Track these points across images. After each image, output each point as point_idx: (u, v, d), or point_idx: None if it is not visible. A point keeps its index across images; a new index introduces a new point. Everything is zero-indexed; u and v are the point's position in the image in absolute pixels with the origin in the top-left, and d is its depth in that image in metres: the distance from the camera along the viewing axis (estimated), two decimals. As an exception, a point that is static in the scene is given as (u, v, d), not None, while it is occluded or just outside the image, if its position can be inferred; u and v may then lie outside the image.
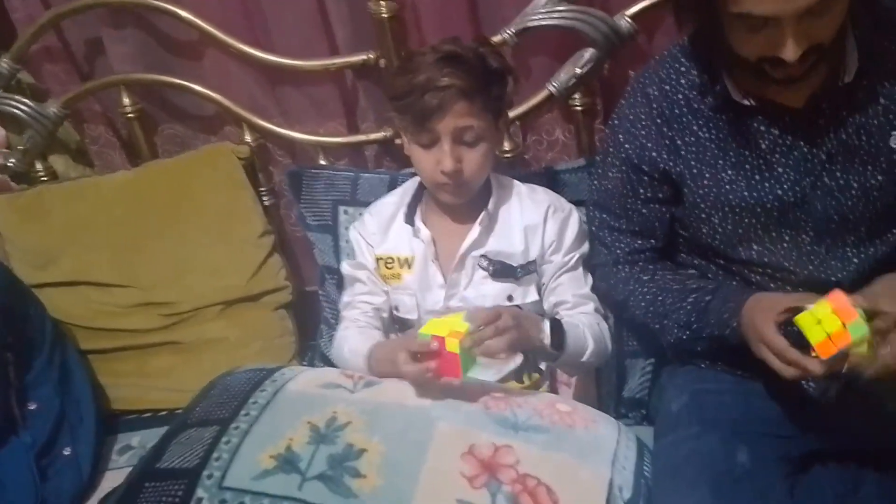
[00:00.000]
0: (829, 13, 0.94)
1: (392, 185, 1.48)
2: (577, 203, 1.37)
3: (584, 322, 1.25)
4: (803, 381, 1.12)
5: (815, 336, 0.93)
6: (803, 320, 0.94)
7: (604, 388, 1.40)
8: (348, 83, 1.59)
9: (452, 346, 1.06)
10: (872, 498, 1.11)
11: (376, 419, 1.06)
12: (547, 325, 1.18)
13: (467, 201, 1.29)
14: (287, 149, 1.68)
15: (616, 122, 1.22)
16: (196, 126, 1.71)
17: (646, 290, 1.21)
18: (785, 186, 1.09)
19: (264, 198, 1.68)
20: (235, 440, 1.05)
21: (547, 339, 1.17)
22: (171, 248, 1.59)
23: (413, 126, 1.22)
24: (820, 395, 1.11)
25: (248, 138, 1.63)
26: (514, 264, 1.28)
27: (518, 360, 1.26)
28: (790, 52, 0.94)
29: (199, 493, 1.00)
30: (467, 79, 1.17)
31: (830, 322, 0.92)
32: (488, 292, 1.28)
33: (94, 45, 1.66)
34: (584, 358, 1.23)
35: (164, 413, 1.52)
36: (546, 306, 1.32)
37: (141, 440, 1.49)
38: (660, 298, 1.19)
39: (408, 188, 1.38)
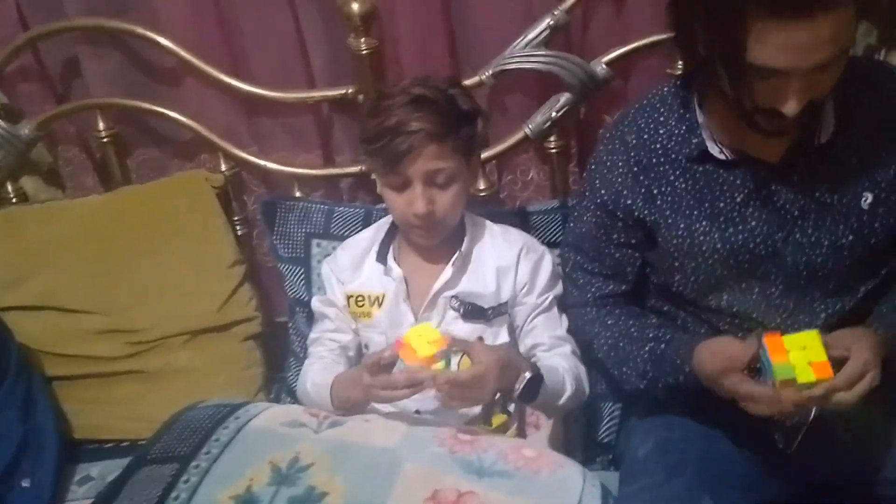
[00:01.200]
0: (833, 70, 0.95)
1: (367, 220, 1.47)
2: (550, 244, 1.38)
3: (565, 367, 1.24)
4: (767, 430, 1.12)
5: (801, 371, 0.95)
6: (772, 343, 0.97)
7: (573, 431, 1.39)
8: (325, 115, 1.59)
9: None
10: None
11: (340, 459, 1.05)
12: (524, 379, 1.15)
13: (441, 241, 1.29)
14: (262, 178, 1.67)
15: (593, 167, 1.23)
16: (171, 152, 1.70)
17: (609, 334, 1.21)
18: (758, 239, 1.10)
19: (237, 226, 1.66)
20: (195, 479, 1.03)
21: (517, 393, 1.15)
22: (141, 275, 1.57)
23: (384, 169, 1.22)
24: (785, 444, 1.11)
25: (223, 166, 1.62)
26: (486, 306, 1.28)
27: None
28: (793, 106, 0.95)
29: (156, 533, 0.98)
30: (437, 122, 1.17)
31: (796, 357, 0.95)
32: (459, 333, 1.27)
33: (71, 66, 1.64)
34: (560, 402, 1.23)
35: (126, 444, 1.48)
36: (522, 349, 1.31)
37: (101, 471, 1.45)
38: (620, 345, 1.19)
39: (381, 225, 1.38)
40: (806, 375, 0.94)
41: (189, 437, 1.11)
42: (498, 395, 1.20)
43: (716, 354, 1.04)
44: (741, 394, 0.99)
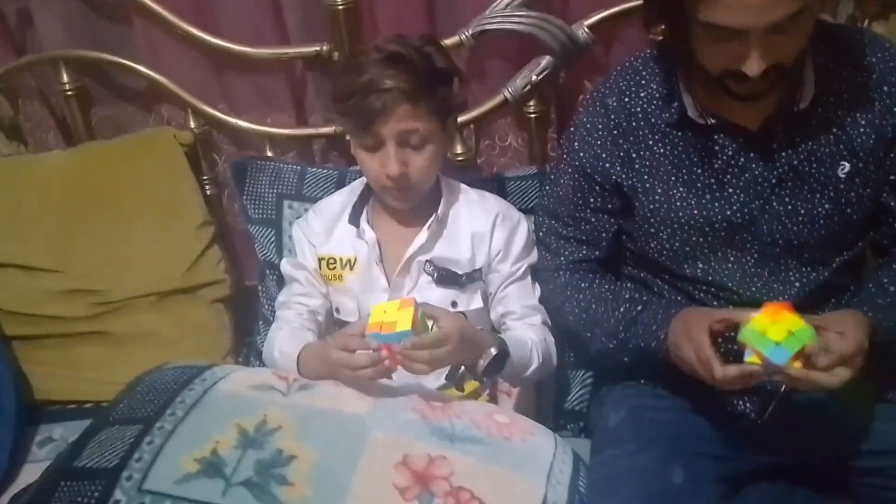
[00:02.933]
0: (794, 32, 0.94)
1: (340, 182, 1.44)
2: (527, 211, 1.36)
3: (534, 339, 1.23)
4: (741, 401, 1.12)
5: (763, 346, 0.94)
6: (748, 335, 0.95)
7: (544, 398, 1.39)
8: (298, 74, 1.54)
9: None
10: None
11: (309, 425, 1.02)
12: (489, 356, 1.13)
13: (416, 204, 1.26)
14: (232, 137, 1.62)
15: (573, 129, 1.22)
16: (136, 109, 1.65)
17: (581, 297, 1.20)
18: (734, 207, 1.09)
19: (206, 187, 1.62)
20: (159, 441, 1.00)
21: (481, 369, 1.14)
22: (106, 234, 1.53)
23: (356, 129, 1.18)
24: (758, 415, 1.12)
25: (191, 124, 1.58)
26: (460, 272, 1.26)
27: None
28: (754, 66, 0.94)
29: (117, 495, 0.95)
30: (411, 80, 1.14)
31: (775, 331, 0.93)
32: (432, 298, 1.25)
33: (30, 16, 1.58)
34: (527, 374, 1.22)
35: (89, 405, 1.46)
36: (493, 316, 1.30)
37: (63, 433, 1.42)
38: (593, 307, 1.18)
39: (355, 187, 1.34)
40: (793, 345, 0.93)
41: (154, 398, 1.08)
42: (462, 368, 1.19)
43: (689, 319, 1.03)
44: (701, 356, 0.98)
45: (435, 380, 1.22)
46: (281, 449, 0.99)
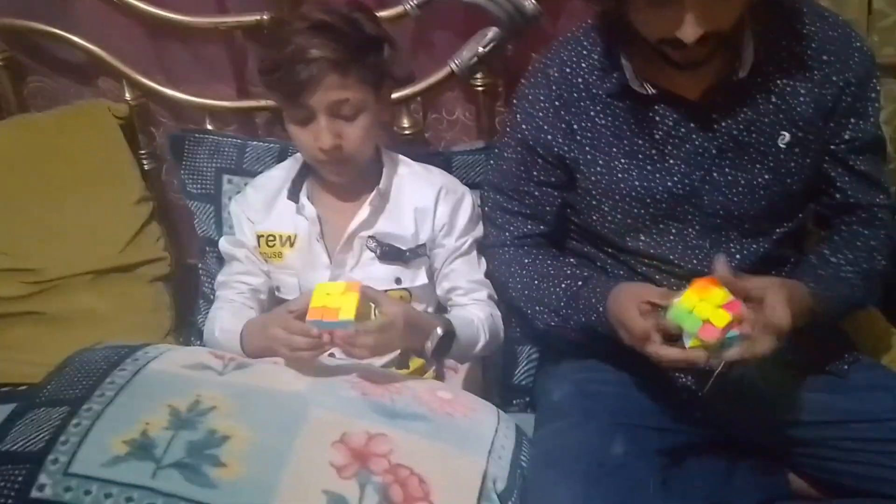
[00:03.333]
0: None
1: (282, 155, 1.41)
2: (474, 186, 1.34)
3: (481, 316, 1.21)
4: (683, 375, 1.13)
5: (691, 325, 0.93)
6: (676, 315, 0.94)
7: (490, 374, 1.38)
8: (238, 44, 1.50)
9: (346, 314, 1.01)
10: (744, 486, 1.14)
11: (245, 403, 1.00)
12: (436, 337, 1.12)
13: (357, 179, 1.23)
14: (170, 110, 1.57)
15: (516, 101, 1.20)
16: (71, 81, 1.58)
17: (525, 272, 1.19)
18: (675, 178, 1.09)
19: (144, 161, 1.57)
20: (86, 423, 0.96)
21: (429, 352, 1.12)
22: (39, 211, 1.47)
23: (285, 102, 1.15)
24: (699, 388, 1.12)
25: (127, 96, 1.52)
26: (404, 247, 1.24)
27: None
28: (689, 32, 0.93)
29: (42, 479, 0.91)
30: (339, 49, 1.10)
31: (702, 308, 0.93)
32: (376, 274, 1.23)
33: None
34: (475, 351, 1.21)
35: (23, 388, 1.40)
36: (439, 292, 1.28)
37: None
38: (535, 283, 1.17)
39: (294, 162, 1.31)
40: (721, 319, 0.92)
41: (82, 379, 1.04)
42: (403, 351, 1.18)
43: (624, 303, 1.02)
44: (634, 330, 0.98)
45: (379, 358, 1.20)
46: (214, 429, 0.96)
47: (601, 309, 1.06)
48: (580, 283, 1.12)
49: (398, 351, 1.20)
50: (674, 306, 0.95)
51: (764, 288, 0.97)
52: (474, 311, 1.23)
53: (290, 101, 1.13)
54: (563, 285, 1.14)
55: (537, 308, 1.17)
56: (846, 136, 1.10)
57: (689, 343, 0.95)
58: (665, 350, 0.96)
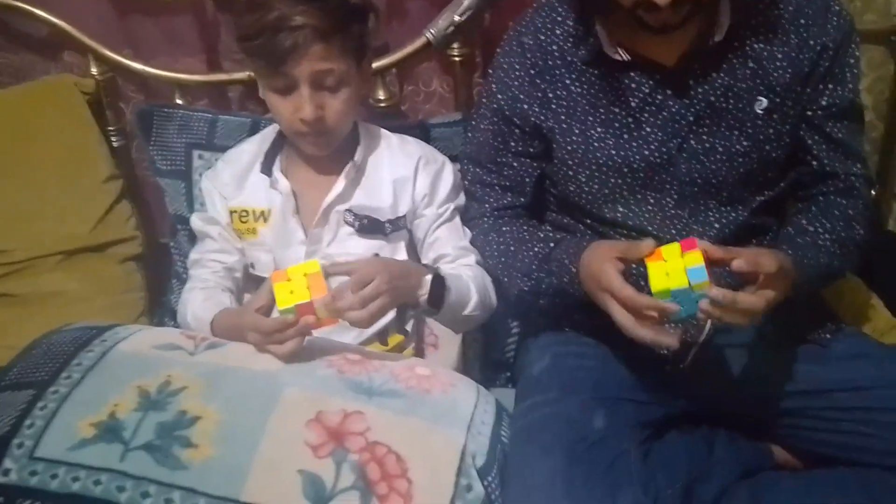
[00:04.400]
0: None
1: (254, 130, 1.37)
2: (452, 159, 1.31)
3: (469, 274, 1.19)
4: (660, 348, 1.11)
5: (656, 276, 0.91)
6: (652, 264, 0.92)
7: (470, 349, 1.36)
8: (209, 15, 1.46)
9: (319, 312, 0.97)
10: (726, 458, 1.13)
11: (216, 384, 0.97)
12: (428, 282, 1.09)
13: (332, 151, 1.20)
14: (139, 85, 1.54)
15: (491, 71, 1.17)
16: (36, 56, 1.54)
17: (501, 240, 1.17)
18: (652, 147, 1.07)
19: (113, 138, 1.54)
20: (52, 405, 0.94)
21: (424, 297, 1.09)
22: (4, 190, 1.44)
23: (267, 70, 1.10)
24: (678, 360, 1.11)
25: (94, 71, 1.48)
26: (383, 219, 1.21)
27: (385, 319, 1.19)
28: None
29: (7, 463, 0.89)
30: (324, 17, 1.06)
31: (675, 266, 0.90)
32: (354, 250, 1.20)
33: None
34: (468, 311, 1.17)
35: (-7, 372, 1.38)
36: (426, 262, 1.25)
37: None
38: (512, 249, 1.15)
39: (267, 135, 1.27)
40: (679, 281, 0.90)
41: (48, 361, 1.02)
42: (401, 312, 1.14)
43: (594, 257, 1.00)
44: (609, 286, 0.95)
45: (358, 335, 1.18)
46: (185, 410, 0.94)
47: (573, 270, 1.04)
48: (552, 244, 1.11)
49: (384, 322, 1.18)
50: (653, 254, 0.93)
51: (754, 253, 0.95)
52: (464, 270, 1.20)
53: (271, 69, 1.09)
54: (535, 248, 1.12)
55: (511, 273, 1.15)
56: (823, 102, 1.08)
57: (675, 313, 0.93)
58: (635, 296, 0.93)
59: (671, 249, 0.92)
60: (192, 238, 1.33)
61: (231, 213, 1.24)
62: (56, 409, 0.94)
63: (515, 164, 1.17)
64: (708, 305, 0.90)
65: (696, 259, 0.90)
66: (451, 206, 1.24)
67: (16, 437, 0.91)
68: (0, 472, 0.89)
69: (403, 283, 1.07)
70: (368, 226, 1.21)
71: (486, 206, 1.21)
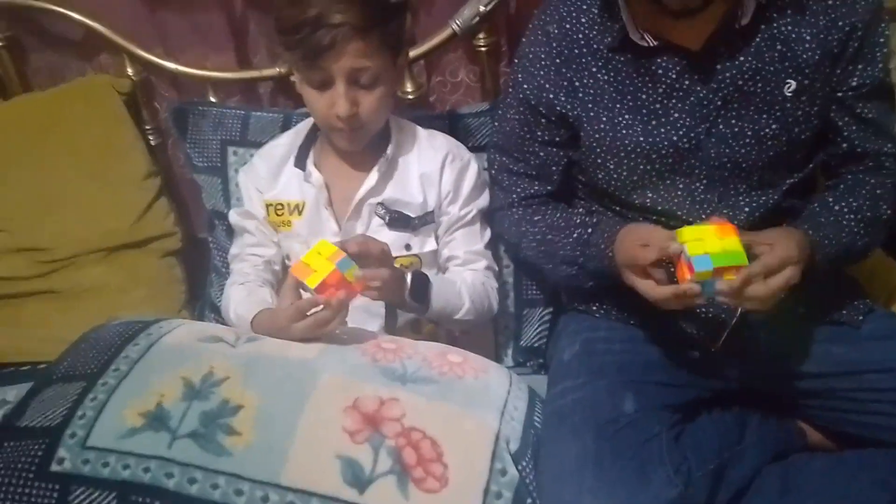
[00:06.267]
0: None
1: (286, 125, 1.39)
2: (480, 149, 1.33)
3: (466, 281, 1.21)
4: (694, 330, 1.12)
5: (693, 250, 0.93)
6: (686, 234, 0.94)
7: (501, 336, 1.38)
8: (238, 11, 1.48)
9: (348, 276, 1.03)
10: (757, 440, 1.14)
11: (254, 372, 1.00)
12: (409, 274, 1.13)
13: (365, 146, 1.22)
14: (172, 83, 1.56)
15: (517, 61, 1.18)
16: (72, 58, 1.58)
17: (536, 230, 1.18)
18: (680, 132, 1.07)
19: (150, 136, 1.57)
20: (102, 397, 0.98)
21: (408, 291, 1.13)
22: (46, 190, 1.48)
23: (303, 65, 1.12)
24: (709, 343, 1.11)
25: (129, 71, 1.52)
26: (412, 214, 1.23)
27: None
28: None
29: (61, 453, 0.93)
30: (362, 15, 1.07)
31: (714, 243, 0.92)
32: (385, 240, 1.22)
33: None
34: (459, 316, 1.20)
35: (43, 366, 1.42)
36: (439, 259, 1.28)
37: (18, 394, 1.34)
38: (549, 237, 1.16)
39: (300, 129, 1.30)
40: (720, 261, 0.92)
41: (97, 355, 1.05)
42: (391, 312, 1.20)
43: (634, 240, 1.02)
44: (641, 289, 0.98)
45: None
46: (227, 399, 0.97)
47: (611, 254, 1.05)
48: (590, 229, 1.12)
49: (393, 316, 1.22)
50: (687, 229, 0.94)
51: (772, 237, 0.97)
52: (463, 275, 1.23)
53: (308, 64, 1.11)
54: (574, 234, 1.13)
55: (554, 261, 1.16)
56: (853, 83, 1.07)
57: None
58: (657, 289, 0.97)
59: (708, 230, 0.93)
60: (230, 232, 1.37)
61: (267, 206, 1.27)
62: (106, 400, 0.97)
63: (542, 153, 1.18)
64: (721, 292, 0.92)
65: (734, 243, 0.92)
66: (474, 208, 1.26)
67: (68, 428, 0.95)
68: (55, 462, 0.93)
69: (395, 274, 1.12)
70: (398, 220, 1.23)
71: (514, 195, 1.22)
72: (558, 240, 1.15)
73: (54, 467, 0.92)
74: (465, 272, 1.24)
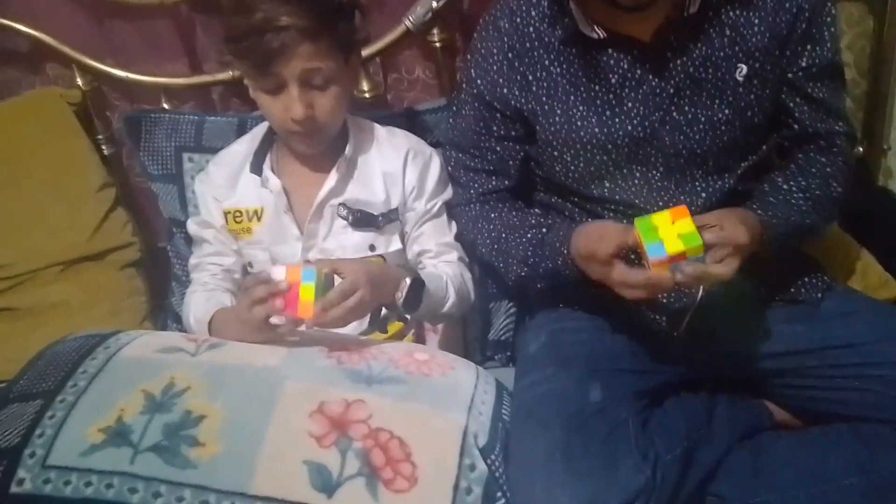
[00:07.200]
0: None
1: (241, 128, 1.38)
2: (439, 145, 1.33)
3: (449, 273, 1.21)
4: (656, 316, 1.13)
5: (648, 238, 0.93)
6: (642, 226, 0.94)
7: (470, 332, 1.38)
8: (185, 18, 1.46)
9: (306, 293, 1.01)
10: (725, 422, 1.15)
11: (218, 382, 0.99)
12: (406, 286, 1.11)
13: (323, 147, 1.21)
14: (125, 93, 1.54)
15: (469, 56, 1.18)
16: (20, 71, 1.55)
17: (491, 227, 1.18)
18: (635, 122, 1.08)
19: (103, 147, 1.55)
20: (61, 414, 0.96)
21: (401, 301, 1.11)
22: (0, 206, 1.45)
23: (254, 72, 1.11)
24: (672, 328, 1.12)
25: (79, 81, 1.49)
26: (376, 213, 1.22)
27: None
28: None
29: (21, 473, 0.91)
30: (310, 16, 1.06)
31: (667, 230, 0.93)
32: (349, 242, 1.22)
33: None
34: (445, 310, 1.20)
35: (3, 385, 1.40)
36: (409, 255, 1.27)
37: None
38: (503, 236, 1.17)
39: (255, 134, 1.28)
40: (675, 246, 0.92)
41: (54, 371, 1.03)
42: (383, 310, 1.18)
43: (590, 235, 1.02)
44: (613, 278, 0.98)
45: (357, 325, 1.20)
46: (190, 410, 0.96)
47: (565, 251, 1.05)
48: (545, 230, 1.12)
49: (378, 314, 1.20)
50: (644, 218, 0.94)
51: (718, 217, 0.98)
52: (443, 268, 1.23)
53: (260, 70, 1.09)
54: (528, 235, 1.13)
55: (507, 260, 1.16)
56: (803, 64, 1.08)
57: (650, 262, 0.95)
58: (630, 273, 0.96)
59: (662, 217, 0.94)
60: (189, 240, 1.35)
61: (225, 214, 1.26)
62: (65, 418, 0.96)
63: (499, 147, 1.18)
64: (682, 275, 0.93)
65: (687, 226, 0.92)
66: (439, 201, 1.26)
67: (27, 447, 0.93)
68: (14, 483, 0.91)
69: (383, 290, 1.10)
70: (362, 219, 1.22)
71: (472, 191, 1.22)
72: (512, 239, 1.15)
73: (14, 489, 0.90)
74: (442, 265, 1.23)
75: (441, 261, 1.25)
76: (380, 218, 1.23)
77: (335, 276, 1.06)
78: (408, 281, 1.11)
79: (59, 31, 1.46)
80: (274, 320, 1.05)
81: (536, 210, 1.21)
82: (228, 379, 1.00)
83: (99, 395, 0.99)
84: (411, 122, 1.38)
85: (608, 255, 0.97)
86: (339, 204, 1.22)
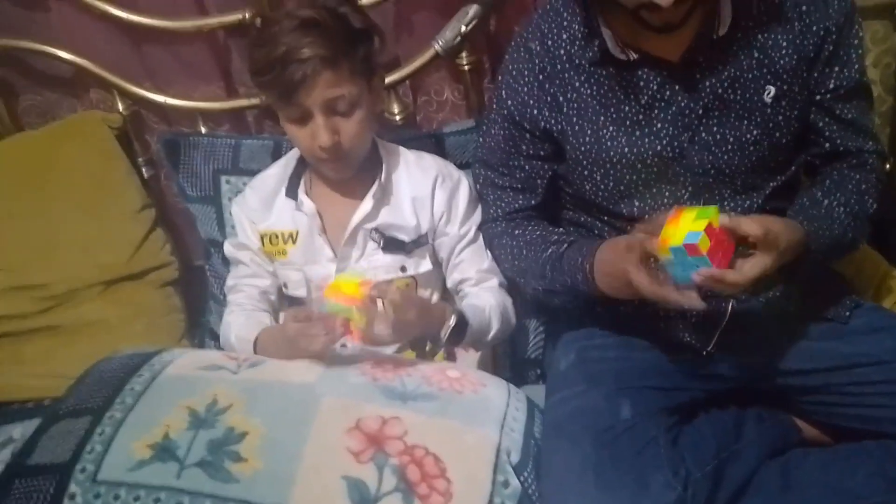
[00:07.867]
0: None
1: (276, 151, 1.42)
2: (467, 166, 1.35)
3: (491, 303, 1.23)
4: (686, 333, 1.14)
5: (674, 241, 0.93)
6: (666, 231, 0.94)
7: (501, 349, 1.40)
8: (221, 44, 1.50)
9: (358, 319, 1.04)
10: (754, 437, 1.15)
11: (257, 398, 1.02)
12: (451, 326, 1.14)
13: (354, 172, 1.24)
14: (162, 116, 1.59)
15: (500, 77, 1.20)
16: (62, 95, 1.59)
17: (514, 243, 1.21)
18: (664, 142, 1.09)
19: (143, 169, 1.59)
20: (109, 430, 0.99)
21: (444, 336, 1.15)
22: (41, 227, 1.49)
23: (280, 102, 1.15)
24: (703, 345, 1.13)
25: (119, 105, 1.54)
26: (406, 238, 1.25)
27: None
28: None
29: (72, 488, 0.94)
30: (329, 46, 1.10)
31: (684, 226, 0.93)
32: (381, 263, 1.25)
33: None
34: (487, 339, 1.23)
35: (47, 402, 1.44)
36: (449, 283, 1.30)
37: (23, 431, 1.38)
38: (524, 253, 1.19)
39: (290, 159, 1.32)
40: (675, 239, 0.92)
41: (102, 388, 1.07)
42: (429, 345, 1.21)
43: (615, 246, 1.03)
44: (643, 286, 0.98)
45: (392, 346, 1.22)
46: (232, 426, 0.99)
47: (587, 266, 1.07)
48: (565, 245, 1.14)
49: (422, 343, 1.23)
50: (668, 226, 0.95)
51: (762, 221, 0.97)
52: (486, 297, 1.25)
53: (285, 101, 1.13)
54: (549, 251, 1.15)
55: (526, 277, 1.19)
56: (831, 85, 1.10)
57: (670, 271, 0.95)
58: (662, 289, 0.96)
59: (689, 214, 0.94)
60: (226, 260, 1.38)
61: (262, 236, 1.29)
62: (113, 434, 0.99)
63: (527, 166, 1.20)
64: (699, 277, 0.93)
65: (698, 226, 0.92)
66: (473, 225, 1.28)
67: (78, 463, 0.96)
68: (66, 497, 0.94)
69: (427, 324, 1.13)
70: (392, 244, 1.25)
71: (499, 209, 1.24)
72: (531, 255, 1.17)
73: (66, 503, 0.93)
74: (485, 293, 1.25)
75: (482, 288, 1.27)
76: (409, 244, 1.25)
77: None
78: (452, 322, 1.14)
79: (99, 56, 1.50)
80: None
81: (561, 228, 1.23)
82: (266, 396, 1.03)
83: (145, 411, 1.02)
84: (440, 143, 1.41)
85: (636, 261, 0.97)
86: (373, 229, 1.25)
